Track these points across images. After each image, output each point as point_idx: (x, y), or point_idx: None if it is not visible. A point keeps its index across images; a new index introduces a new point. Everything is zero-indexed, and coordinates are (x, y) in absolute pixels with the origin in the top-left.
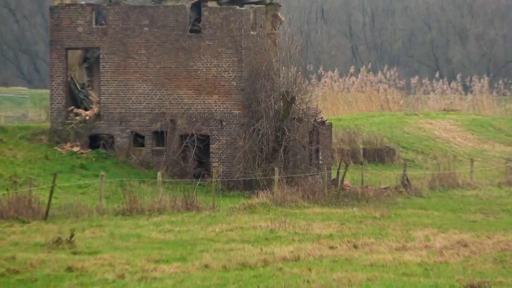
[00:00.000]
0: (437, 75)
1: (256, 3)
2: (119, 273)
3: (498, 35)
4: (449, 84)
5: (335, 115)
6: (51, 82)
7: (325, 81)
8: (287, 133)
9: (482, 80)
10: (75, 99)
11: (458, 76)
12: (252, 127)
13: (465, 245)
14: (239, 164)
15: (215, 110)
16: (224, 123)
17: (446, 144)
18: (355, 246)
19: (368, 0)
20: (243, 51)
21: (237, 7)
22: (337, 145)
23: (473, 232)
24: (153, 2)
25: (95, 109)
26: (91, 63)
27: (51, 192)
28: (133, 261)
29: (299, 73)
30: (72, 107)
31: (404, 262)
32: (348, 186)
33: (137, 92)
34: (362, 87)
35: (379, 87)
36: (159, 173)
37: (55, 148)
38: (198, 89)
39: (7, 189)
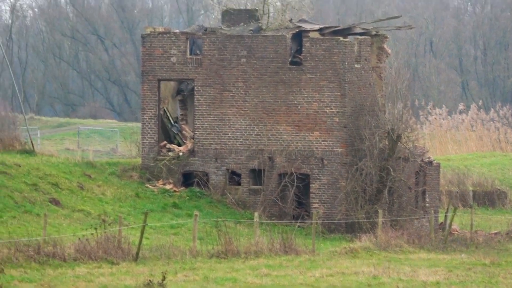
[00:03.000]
0: None
1: (361, 34)
2: None
3: None
4: None
5: (443, 155)
6: (142, 115)
7: (433, 118)
8: (392, 173)
9: None
10: (167, 133)
11: None
12: (355, 166)
13: None
14: (341, 205)
15: (316, 148)
16: (325, 162)
17: None
18: None
19: (480, 32)
20: (346, 85)
21: (341, 38)
22: (445, 187)
23: None
24: (251, 32)
25: (189, 144)
26: (185, 95)
27: (142, 232)
28: None
29: (406, 109)
30: (165, 142)
31: None
32: (456, 231)
33: (233, 127)
34: (473, 126)
35: (490, 125)
36: (256, 214)
37: (146, 185)
38: (298, 125)
39: (95, 228)
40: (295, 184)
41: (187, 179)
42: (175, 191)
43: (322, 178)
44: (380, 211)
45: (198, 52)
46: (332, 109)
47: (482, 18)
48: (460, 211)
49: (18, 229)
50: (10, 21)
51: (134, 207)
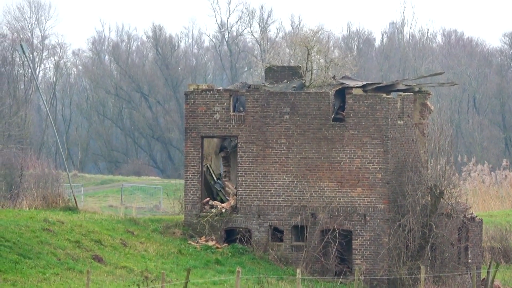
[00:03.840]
0: None
1: (403, 90)
2: None
3: None
4: None
5: (485, 211)
6: (185, 172)
7: (476, 175)
8: (434, 230)
9: None
10: (210, 190)
11: None
12: (398, 223)
13: None
14: (383, 261)
15: (359, 204)
16: (368, 218)
17: None
18: None
19: None
20: (389, 141)
21: (384, 95)
22: (488, 243)
23: None
24: (294, 89)
25: (232, 201)
26: (228, 152)
27: None
28: None
29: (449, 165)
30: (208, 198)
31: None
32: (499, 287)
33: (276, 183)
34: None
35: None
36: (298, 270)
37: (189, 242)
38: (340, 181)
39: (138, 285)
40: (337, 240)
41: (230, 236)
42: (217, 247)
43: (364, 234)
44: (422, 267)
45: (241, 109)
46: (374, 165)
47: None
48: (503, 267)
49: (61, 286)
50: (54, 78)
51: (176, 263)
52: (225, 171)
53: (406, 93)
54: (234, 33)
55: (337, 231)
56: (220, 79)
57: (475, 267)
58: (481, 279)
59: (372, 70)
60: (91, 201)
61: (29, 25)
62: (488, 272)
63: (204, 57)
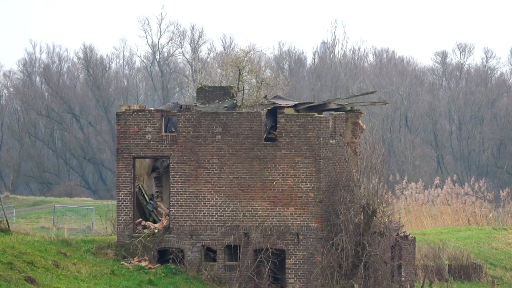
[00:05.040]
0: None
1: (335, 110)
2: None
3: None
4: None
5: (418, 229)
6: (117, 193)
7: (409, 193)
8: (367, 248)
9: None
10: (143, 211)
11: None
12: (331, 242)
13: None
14: (317, 280)
15: (292, 223)
16: (301, 237)
17: None
18: None
19: (455, 107)
20: (321, 160)
21: (316, 114)
22: (421, 261)
23: None
24: (226, 109)
25: (164, 221)
26: (160, 172)
27: None
28: None
29: (381, 184)
30: (140, 219)
31: None
32: None
33: (208, 203)
34: (448, 200)
35: (466, 199)
36: None
37: (122, 262)
38: (273, 201)
39: None
40: (270, 259)
41: (163, 256)
42: (150, 268)
43: (297, 253)
44: (355, 285)
45: (173, 129)
46: (307, 184)
47: (456, 93)
48: (436, 285)
49: None
50: None
51: (109, 284)
52: (157, 192)
53: (338, 112)
54: (166, 54)
55: (270, 250)
56: (152, 99)
57: (408, 285)
58: None
59: (304, 89)
60: (23, 222)
61: None
62: None
63: (136, 77)
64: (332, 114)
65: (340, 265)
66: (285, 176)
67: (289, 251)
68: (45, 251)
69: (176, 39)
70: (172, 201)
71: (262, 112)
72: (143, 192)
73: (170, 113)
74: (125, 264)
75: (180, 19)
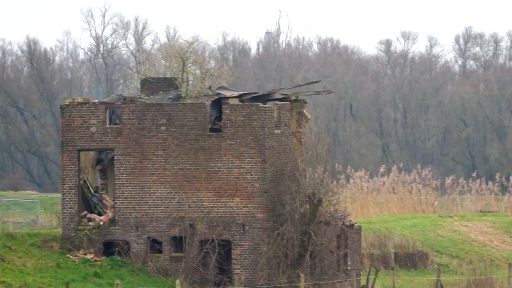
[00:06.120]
0: (474, 174)
1: (280, 99)
2: None
3: None
4: (487, 183)
5: (364, 218)
6: (62, 186)
7: (354, 182)
8: (313, 238)
9: None
10: (88, 203)
11: (497, 175)
12: (276, 231)
13: None
14: (263, 270)
15: (237, 214)
16: (246, 228)
17: (483, 248)
18: None
19: (400, 95)
20: (266, 151)
21: (260, 104)
22: (367, 250)
23: None
24: (170, 100)
25: (110, 213)
26: (105, 165)
27: None
28: None
29: (327, 173)
30: (85, 212)
31: None
32: None
33: (154, 195)
34: (394, 188)
35: (411, 187)
36: (177, 281)
37: (67, 255)
38: (219, 192)
39: None
40: (216, 250)
41: (108, 248)
42: (96, 260)
43: (243, 244)
44: (302, 275)
45: (117, 121)
46: (252, 175)
47: (401, 81)
48: (382, 274)
49: None
50: None
51: (55, 277)
52: (102, 184)
53: (282, 102)
54: (109, 46)
55: (216, 241)
56: (96, 92)
57: (354, 274)
58: (361, 285)
59: (248, 79)
60: None
61: None
62: (367, 279)
63: (80, 70)
64: (277, 104)
65: (286, 255)
66: (230, 166)
67: (235, 241)
68: None
69: (120, 31)
70: (117, 193)
71: (206, 103)
72: (88, 184)
73: (114, 105)
74: (71, 257)
75: (123, 11)
